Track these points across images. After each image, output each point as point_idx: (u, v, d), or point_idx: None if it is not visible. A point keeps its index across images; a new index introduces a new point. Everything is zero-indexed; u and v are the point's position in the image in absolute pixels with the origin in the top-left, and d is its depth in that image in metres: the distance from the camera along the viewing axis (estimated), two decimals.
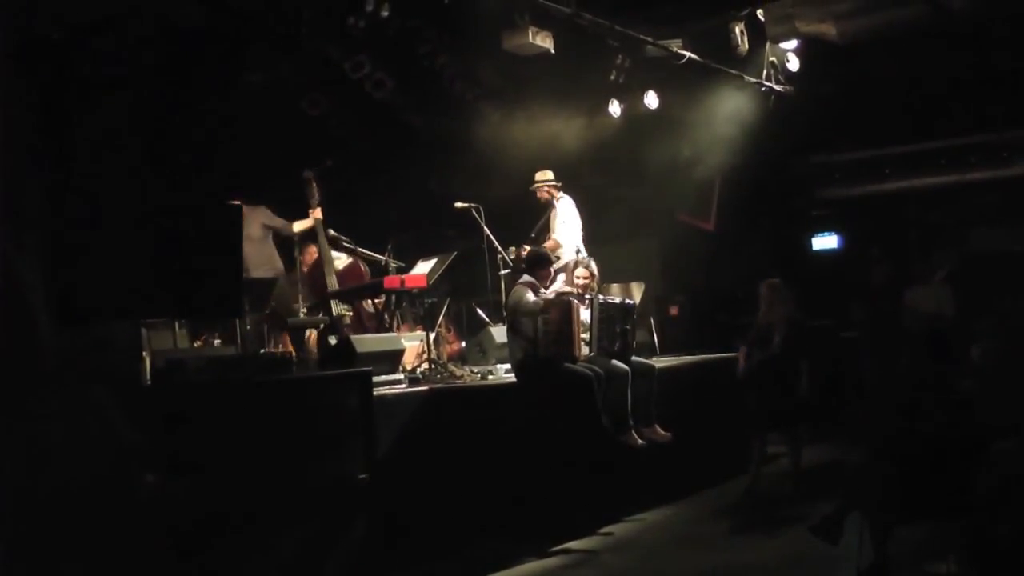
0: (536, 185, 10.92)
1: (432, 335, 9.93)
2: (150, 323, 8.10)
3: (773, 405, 9.50)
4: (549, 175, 10.94)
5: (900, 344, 10.98)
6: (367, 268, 10.62)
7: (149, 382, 6.47)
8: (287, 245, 10.37)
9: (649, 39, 11.26)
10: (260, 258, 9.63)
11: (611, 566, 7.56)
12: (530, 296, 8.48)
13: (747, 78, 12.28)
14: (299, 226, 10.24)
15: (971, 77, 12.64)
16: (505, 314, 8.93)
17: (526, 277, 8.77)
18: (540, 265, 8.81)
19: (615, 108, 12.70)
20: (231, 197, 8.48)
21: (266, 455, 5.94)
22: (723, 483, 9.95)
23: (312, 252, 10.50)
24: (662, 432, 8.81)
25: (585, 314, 8.71)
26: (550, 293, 8.84)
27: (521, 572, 7.52)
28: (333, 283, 10.07)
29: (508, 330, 8.70)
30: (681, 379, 10.03)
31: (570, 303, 8.50)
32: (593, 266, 9.40)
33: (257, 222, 9.66)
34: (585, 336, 8.68)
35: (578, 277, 9.00)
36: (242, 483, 5.77)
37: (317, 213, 10.12)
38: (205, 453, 5.64)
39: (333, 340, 9.26)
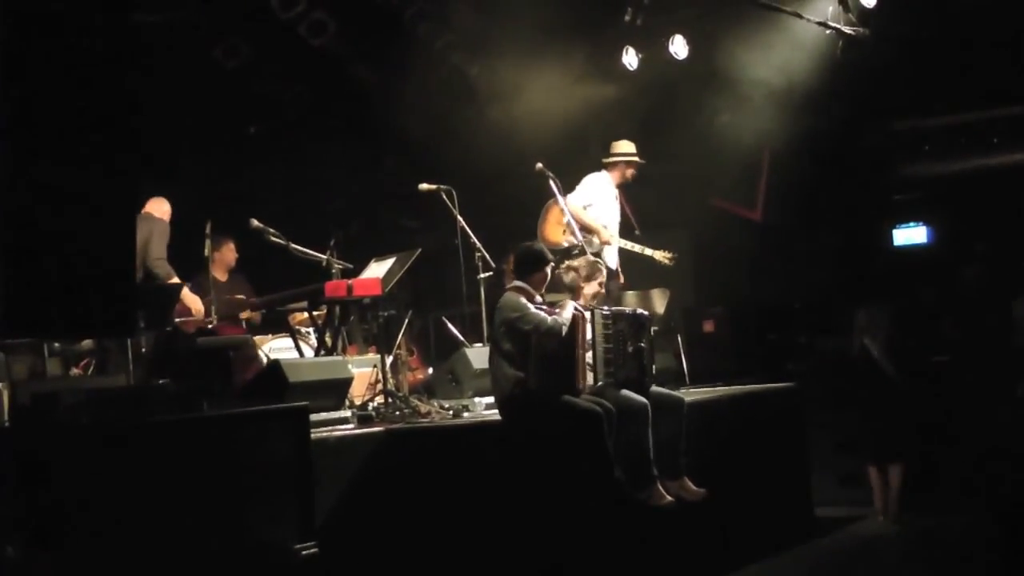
0: (631, 160, 11.23)
1: (389, 359, 9.90)
2: (9, 345, 8.06)
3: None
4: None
5: (1008, 369, 11.03)
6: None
7: (7, 423, 6.41)
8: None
9: None
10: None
11: None
12: (535, 309, 8.41)
13: (807, 17, 12.26)
14: None
15: None
16: (490, 333, 8.87)
17: (516, 283, 8.69)
18: (535, 266, 8.70)
19: (631, 59, 12.70)
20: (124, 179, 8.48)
21: (168, 519, 5.87)
22: (779, 554, 9.91)
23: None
24: (693, 488, 8.76)
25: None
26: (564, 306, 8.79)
27: None
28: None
29: (491, 353, 8.63)
30: (719, 417, 10.00)
31: (574, 316, 8.47)
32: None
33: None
34: (588, 360, 8.64)
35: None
36: (133, 557, 5.70)
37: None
38: (83, 517, 5.56)
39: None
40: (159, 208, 10.48)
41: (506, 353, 8.38)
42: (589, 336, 8.61)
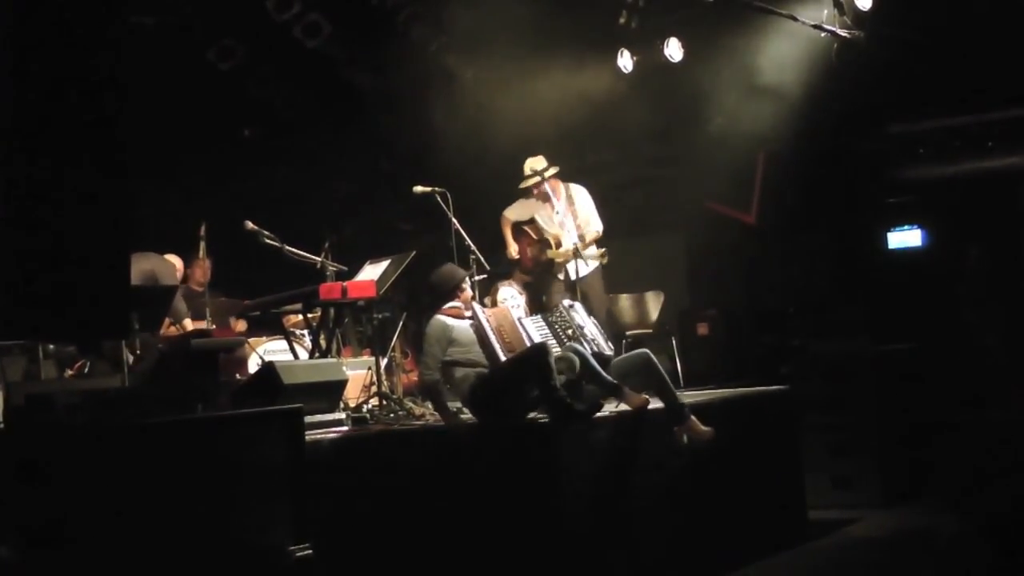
0: (535, 180, 11.09)
1: (384, 361, 9.89)
2: (3, 347, 8.06)
3: None
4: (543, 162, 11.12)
5: None
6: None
7: (2, 424, 6.40)
8: None
9: None
10: None
11: None
12: (437, 351, 8.67)
13: (802, 20, 12.25)
14: None
15: None
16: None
17: (447, 304, 8.99)
18: (448, 287, 9.05)
19: (626, 61, 12.69)
20: (118, 180, 8.49)
21: (162, 521, 5.88)
22: (773, 557, 9.91)
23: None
24: (702, 428, 8.84)
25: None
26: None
27: None
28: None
29: (441, 370, 8.73)
30: (712, 419, 9.97)
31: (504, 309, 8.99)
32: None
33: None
34: None
35: (503, 300, 9.12)
36: (128, 558, 5.71)
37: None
38: (78, 518, 5.57)
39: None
40: (172, 260, 10.64)
41: (450, 362, 8.57)
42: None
